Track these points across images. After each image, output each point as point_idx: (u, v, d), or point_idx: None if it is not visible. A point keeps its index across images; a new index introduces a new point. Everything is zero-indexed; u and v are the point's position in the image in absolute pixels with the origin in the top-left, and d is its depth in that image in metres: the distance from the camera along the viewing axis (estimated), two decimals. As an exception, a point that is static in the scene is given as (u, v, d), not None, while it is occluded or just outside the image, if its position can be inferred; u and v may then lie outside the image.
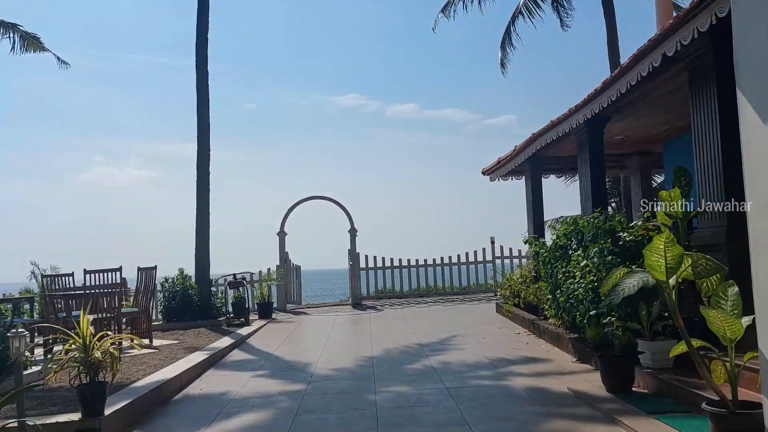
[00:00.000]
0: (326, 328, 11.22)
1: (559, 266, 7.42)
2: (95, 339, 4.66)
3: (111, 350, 4.60)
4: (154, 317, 13.28)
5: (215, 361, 8.04)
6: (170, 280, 12.64)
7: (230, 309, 12.40)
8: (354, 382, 6.54)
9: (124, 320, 9.82)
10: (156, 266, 9.77)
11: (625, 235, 6.05)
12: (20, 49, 15.36)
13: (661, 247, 3.46)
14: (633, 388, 5.54)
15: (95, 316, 8.44)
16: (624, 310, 5.73)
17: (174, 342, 9.52)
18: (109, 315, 8.63)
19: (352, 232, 15.77)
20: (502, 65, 18.41)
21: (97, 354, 4.54)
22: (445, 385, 6.12)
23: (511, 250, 16.22)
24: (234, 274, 13.22)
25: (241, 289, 12.81)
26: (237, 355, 8.71)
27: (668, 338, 5.66)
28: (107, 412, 4.77)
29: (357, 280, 15.61)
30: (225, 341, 9.40)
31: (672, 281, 3.57)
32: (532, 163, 11.82)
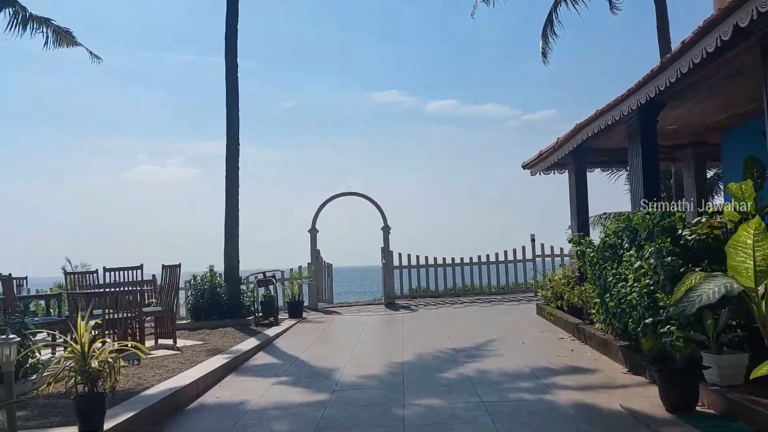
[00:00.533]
0: (357, 329, 10.73)
1: (609, 267, 6.74)
2: (94, 346, 4.24)
3: (109, 359, 4.17)
4: (183, 315, 13.06)
5: (237, 365, 7.62)
6: (198, 278, 12.35)
7: (259, 308, 12.02)
8: (382, 392, 6.01)
9: (149, 319, 9.53)
10: (180, 264, 9.43)
11: (686, 233, 5.35)
12: (53, 43, 15.37)
13: (749, 242, 2.81)
14: (697, 408, 4.86)
15: (117, 315, 8.14)
16: (686, 318, 5.04)
17: (198, 343, 9.16)
18: (130, 314, 8.30)
19: (385, 229, 15.24)
20: (544, 55, 17.62)
21: (95, 363, 4.11)
22: (482, 398, 5.54)
23: (552, 248, 15.44)
24: (263, 272, 12.84)
25: (270, 287, 12.42)
26: (261, 358, 8.29)
27: (735, 351, 4.96)
28: (108, 425, 4.35)
29: (390, 278, 15.08)
30: (250, 343, 8.99)
31: (761, 289, 2.91)
32: (576, 155, 11.09)
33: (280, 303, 14.05)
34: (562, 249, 15.30)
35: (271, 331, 10.41)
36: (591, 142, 10.17)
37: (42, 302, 11.60)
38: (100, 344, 4.33)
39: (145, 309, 9.01)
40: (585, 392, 5.64)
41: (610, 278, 6.46)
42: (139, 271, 8.45)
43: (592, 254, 7.40)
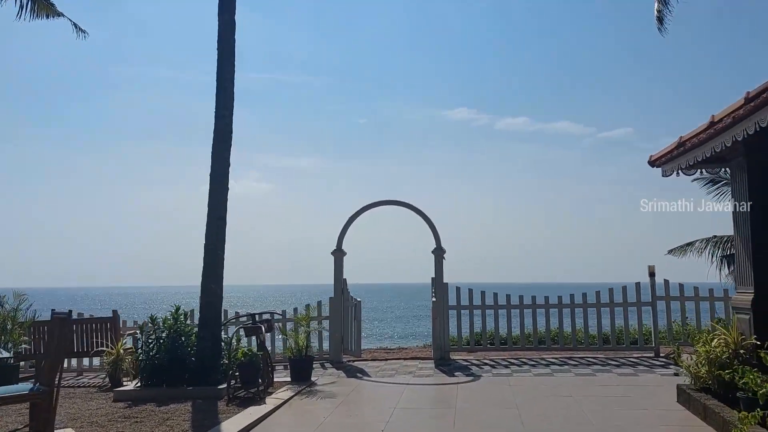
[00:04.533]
0: (379, 422, 6.50)
1: None
2: None
3: None
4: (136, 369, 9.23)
5: None
6: (159, 320, 8.51)
7: (237, 372, 7.95)
8: None
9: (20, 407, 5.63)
10: (70, 311, 5.55)
11: None
12: (29, 12, 12.33)
13: None
14: None
15: None
16: None
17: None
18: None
19: (438, 252, 10.95)
20: (660, 20, 13.09)
21: None
22: None
23: (681, 286, 10.66)
24: (251, 314, 8.82)
25: (261, 337, 8.40)
26: None
27: None
28: None
29: (443, 324, 10.75)
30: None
31: None
32: (750, 144, 6.51)
33: (281, 352, 10.06)
34: (696, 289, 10.53)
35: (235, 424, 6.33)
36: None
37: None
38: None
39: (-12, 396, 5.14)
40: None
41: None
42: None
43: None
